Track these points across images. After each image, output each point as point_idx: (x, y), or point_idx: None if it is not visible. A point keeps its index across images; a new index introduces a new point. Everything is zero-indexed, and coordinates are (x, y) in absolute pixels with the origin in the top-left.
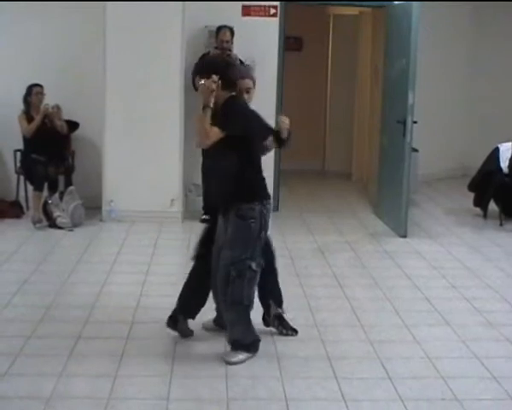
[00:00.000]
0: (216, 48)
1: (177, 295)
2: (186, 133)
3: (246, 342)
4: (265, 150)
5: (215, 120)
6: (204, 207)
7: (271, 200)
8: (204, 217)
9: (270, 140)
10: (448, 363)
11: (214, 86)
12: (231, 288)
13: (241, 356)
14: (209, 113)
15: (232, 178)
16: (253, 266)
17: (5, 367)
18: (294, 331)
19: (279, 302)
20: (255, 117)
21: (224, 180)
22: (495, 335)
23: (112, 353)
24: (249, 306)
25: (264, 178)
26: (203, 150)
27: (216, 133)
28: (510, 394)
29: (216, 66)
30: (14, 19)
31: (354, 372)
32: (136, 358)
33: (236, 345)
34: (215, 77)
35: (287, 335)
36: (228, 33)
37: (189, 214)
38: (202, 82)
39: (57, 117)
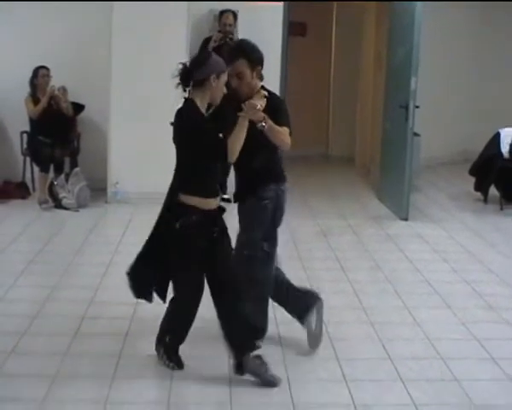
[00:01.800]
0: (219, 31)
1: None
2: None
3: (255, 324)
4: None
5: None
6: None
7: (285, 185)
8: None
9: None
10: (448, 344)
11: (263, 103)
12: (244, 268)
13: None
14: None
15: (258, 168)
16: (265, 246)
17: (11, 346)
18: None
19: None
20: None
21: (252, 170)
22: (495, 317)
23: (116, 333)
24: (264, 287)
25: (280, 161)
26: None
27: (287, 132)
28: (508, 374)
29: (256, 51)
30: (22, 4)
31: (355, 353)
32: (140, 338)
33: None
34: (263, 92)
35: None
36: (231, 17)
37: None
38: (257, 105)
39: (63, 99)
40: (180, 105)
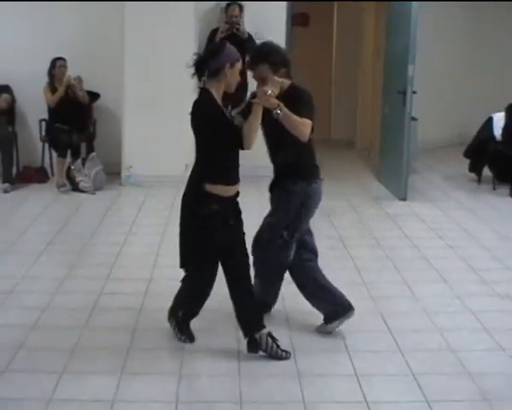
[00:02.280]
0: (226, 23)
1: None
2: None
3: (263, 299)
4: None
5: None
6: None
7: (320, 182)
8: None
9: None
10: (444, 317)
11: (276, 89)
12: (262, 250)
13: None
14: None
15: (286, 163)
16: (285, 234)
17: (34, 320)
18: None
19: None
20: None
21: (278, 164)
22: (488, 291)
23: (131, 307)
24: (278, 271)
25: (314, 159)
26: (267, 141)
27: (309, 125)
28: (501, 345)
29: (278, 53)
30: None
31: (357, 326)
32: (154, 313)
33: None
34: (277, 79)
35: None
36: (237, 9)
37: None
38: (268, 91)
39: (79, 88)
40: (196, 96)
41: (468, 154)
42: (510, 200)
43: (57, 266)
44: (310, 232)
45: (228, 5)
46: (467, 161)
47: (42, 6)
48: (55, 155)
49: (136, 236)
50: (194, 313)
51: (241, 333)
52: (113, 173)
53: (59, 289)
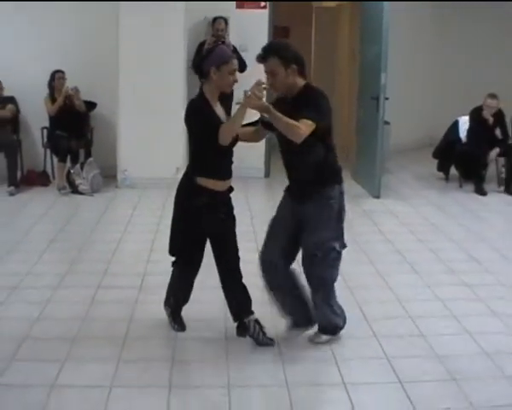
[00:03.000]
0: (212, 35)
1: None
2: None
3: (329, 327)
4: None
5: (291, 109)
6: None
7: (342, 184)
8: None
9: None
10: (415, 305)
11: (262, 93)
12: (316, 269)
13: (324, 337)
14: (276, 112)
15: (316, 167)
16: (337, 246)
17: (37, 313)
18: None
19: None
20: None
21: (307, 170)
22: (455, 280)
23: (127, 300)
24: (332, 286)
25: (338, 162)
26: (282, 145)
27: (309, 126)
28: (467, 329)
29: (289, 48)
30: (39, 13)
31: None
32: (148, 305)
33: (320, 328)
34: (260, 80)
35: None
36: (222, 23)
37: None
38: (249, 93)
39: (76, 97)
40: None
41: (436, 154)
42: (475, 196)
43: (59, 262)
44: None
45: (214, 19)
46: (435, 161)
47: (42, 23)
48: (55, 160)
49: (132, 234)
50: (185, 300)
51: (228, 323)
52: (109, 176)
53: (60, 284)
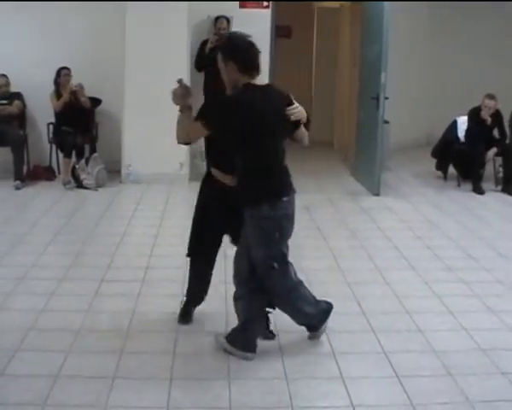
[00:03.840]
0: (215, 34)
1: (185, 244)
2: (194, 106)
3: (235, 338)
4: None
5: None
6: None
7: (287, 198)
8: None
9: None
10: (413, 301)
11: (181, 92)
12: (264, 282)
13: (227, 347)
14: (189, 114)
15: (241, 179)
16: (275, 265)
17: (42, 305)
18: None
19: None
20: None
21: (237, 181)
22: (452, 277)
23: (130, 294)
24: (290, 294)
25: (275, 177)
26: None
27: (196, 128)
28: (463, 325)
29: (230, 45)
30: (46, 11)
31: (334, 309)
32: (151, 298)
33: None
34: (182, 81)
35: None
36: (225, 22)
37: (195, 176)
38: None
39: (81, 94)
40: None
41: (434, 153)
42: (473, 195)
43: (64, 255)
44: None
45: (216, 18)
46: (434, 160)
47: (48, 20)
48: (61, 155)
49: (135, 228)
50: (200, 298)
51: (229, 317)
52: (113, 172)
53: (65, 277)
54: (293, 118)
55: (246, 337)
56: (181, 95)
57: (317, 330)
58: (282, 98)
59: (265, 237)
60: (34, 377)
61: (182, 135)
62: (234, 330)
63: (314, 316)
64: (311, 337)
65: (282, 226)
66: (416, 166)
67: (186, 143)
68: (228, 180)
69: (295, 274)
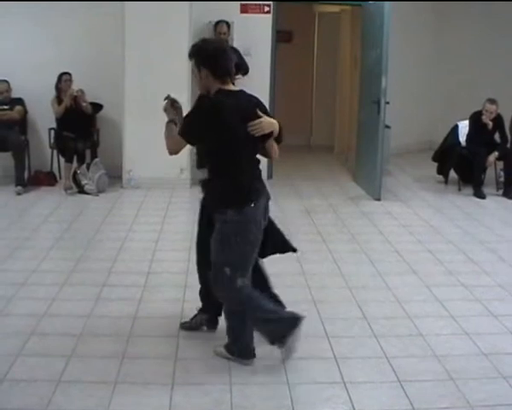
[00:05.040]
0: None
1: (187, 250)
2: None
3: (232, 348)
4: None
5: None
6: None
7: (256, 204)
8: None
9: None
10: (414, 305)
11: (167, 105)
12: (216, 294)
13: (227, 356)
14: (169, 125)
15: (212, 184)
16: (227, 271)
17: (44, 309)
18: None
19: None
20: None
21: (206, 186)
22: (453, 281)
23: (131, 298)
24: (233, 311)
25: (243, 182)
26: None
27: (178, 141)
28: (464, 329)
29: (203, 51)
30: (47, 17)
31: (335, 313)
32: (152, 303)
33: (227, 349)
34: (170, 97)
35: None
36: (225, 26)
37: (196, 181)
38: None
39: (82, 99)
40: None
41: (435, 158)
42: (474, 199)
43: (65, 260)
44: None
45: (217, 23)
46: (435, 165)
47: (49, 25)
48: (62, 160)
49: (136, 233)
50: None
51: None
52: (114, 177)
53: (66, 282)
54: (256, 135)
55: (241, 346)
56: (171, 108)
57: (283, 344)
58: (252, 104)
59: (225, 241)
60: (36, 382)
61: (169, 147)
62: (228, 340)
63: (272, 332)
64: (283, 356)
65: (246, 231)
66: (416, 171)
67: (176, 153)
68: None
69: (265, 288)
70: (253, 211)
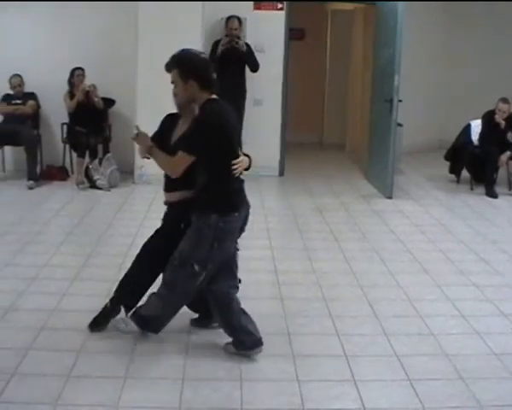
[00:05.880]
0: (226, 35)
1: None
2: None
3: (147, 320)
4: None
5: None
6: None
7: (240, 214)
8: None
9: None
10: (425, 304)
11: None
12: (170, 271)
13: (130, 327)
14: (156, 151)
15: (199, 191)
16: (196, 267)
17: (54, 304)
18: None
19: None
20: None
21: (195, 189)
22: (464, 281)
23: None
24: (177, 297)
25: (231, 191)
26: None
27: (183, 159)
28: (475, 329)
29: (190, 62)
30: (60, 12)
31: (346, 312)
32: None
33: (136, 317)
34: (138, 128)
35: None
36: (236, 22)
37: None
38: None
39: (93, 94)
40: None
41: (448, 157)
42: (486, 199)
43: (76, 255)
44: (235, 264)
45: (228, 18)
46: (447, 164)
47: (63, 21)
48: (74, 155)
49: (147, 229)
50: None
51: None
52: (126, 172)
53: (77, 277)
54: (236, 174)
55: (243, 340)
56: (144, 140)
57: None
58: (236, 117)
59: (203, 242)
60: (46, 377)
61: (172, 170)
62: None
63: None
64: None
65: (225, 240)
66: (428, 170)
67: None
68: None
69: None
70: (236, 220)
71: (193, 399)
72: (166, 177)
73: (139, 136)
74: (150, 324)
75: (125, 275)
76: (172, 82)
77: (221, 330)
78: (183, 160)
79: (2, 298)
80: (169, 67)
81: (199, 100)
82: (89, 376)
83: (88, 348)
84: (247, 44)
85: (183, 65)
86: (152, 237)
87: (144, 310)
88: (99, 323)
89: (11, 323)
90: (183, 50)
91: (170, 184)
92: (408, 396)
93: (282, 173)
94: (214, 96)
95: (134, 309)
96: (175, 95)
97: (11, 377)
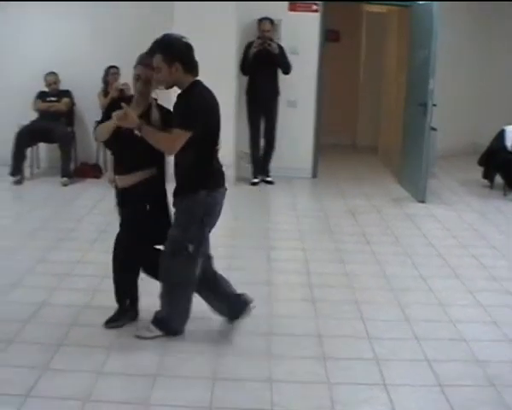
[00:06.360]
0: (258, 37)
1: (225, 243)
2: (239, 108)
3: (165, 322)
4: None
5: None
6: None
7: (222, 190)
8: (254, 181)
9: None
10: (457, 309)
11: (123, 114)
12: (163, 261)
13: (154, 333)
14: (147, 128)
15: (185, 171)
16: (190, 248)
17: (86, 301)
18: None
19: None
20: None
21: (179, 171)
22: (497, 287)
23: None
24: (182, 287)
25: (216, 168)
26: None
27: (180, 136)
28: (508, 336)
29: (174, 46)
30: (96, 12)
31: (377, 315)
32: (194, 297)
33: (156, 322)
34: (123, 106)
35: None
36: (268, 24)
37: (240, 178)
38: (115, 116)
39: (127, 93)
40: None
41: (481, 162)
42: None
43: (108, 252)
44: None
45: (260, 20)
46: (480, 169)
47: (98, 19)
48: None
49: None
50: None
51: (272, 319)
52: None
53: (108, 273)
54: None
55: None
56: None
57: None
58: None
59: (191, 219)
60: (77, 373)
61: (168, 147)
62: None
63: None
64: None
65: (213, 214)
66: (462, 174)
67: (176, 151)
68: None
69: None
70: (221, 195)
71: (223, 398)
72: (118, 160)
73: (127, 114)
74: (169, 324)
75: (113, 279)
76: (155, 67)
77: (250, 330)
78: (180, 136)
79: (35, 294)
80: (152, 52)
81: (183, 83)
82: (119, 373)
83: (119, 345)
84: (280, 46)
85: (166, 49)
86: (118, 234)
87: (159, 313)
88: (115, 320)
89: (43, 319)
90: (165, 35)
91: (124, 167)
92: (438, 402)
93: (315, 175)
94: (198, 79)
95: (153, 315)
96: (156, 80)
97: (43, 372)
